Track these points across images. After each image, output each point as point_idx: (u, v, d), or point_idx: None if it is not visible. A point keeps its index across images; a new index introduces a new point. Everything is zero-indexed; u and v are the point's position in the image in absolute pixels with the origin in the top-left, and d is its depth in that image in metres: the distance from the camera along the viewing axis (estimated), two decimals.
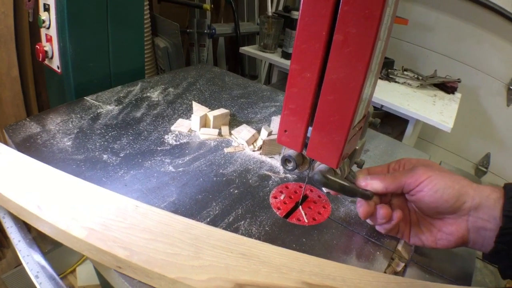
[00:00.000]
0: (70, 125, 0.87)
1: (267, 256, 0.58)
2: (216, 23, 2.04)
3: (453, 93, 1.71)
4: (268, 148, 0.86)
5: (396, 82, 1.73)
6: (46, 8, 1.01)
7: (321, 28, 0.51)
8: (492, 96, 1.83)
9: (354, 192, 0.66)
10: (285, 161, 0.68)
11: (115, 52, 1.13)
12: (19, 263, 1.65)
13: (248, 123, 0.99)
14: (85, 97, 1.00)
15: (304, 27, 0.53)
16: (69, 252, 1.75)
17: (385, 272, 0.65)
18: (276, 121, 0.92)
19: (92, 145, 0.82)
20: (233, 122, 0.99)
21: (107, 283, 1.21)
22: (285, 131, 0.63)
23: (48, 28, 1.03)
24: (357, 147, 0.68)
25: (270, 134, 0.87)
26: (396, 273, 0.65)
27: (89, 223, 0.58)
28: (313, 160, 0.68)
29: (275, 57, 1.79)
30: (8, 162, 0.69)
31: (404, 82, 1.72)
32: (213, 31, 1.96)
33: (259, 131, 0.91)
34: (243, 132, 0.90)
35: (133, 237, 0.56)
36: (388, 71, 1.78)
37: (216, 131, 0.91)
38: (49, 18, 1.01)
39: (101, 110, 0.96)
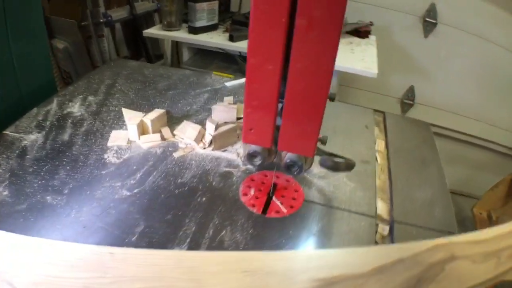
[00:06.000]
0: (0, 170, 0.74)
1: (269, 266, 0.54)
2: (109, 9, 1.87)
3: (367, 37, 1.74)
4: (219, 142, 0.81)
5: None
6: None
7: (280, 14, 0.46)
8: (407, 31, 1.88)
9: (352, 166, 0.66)
10: (251, 157, 0.64)
11: (21, 69, 0.97)
12: None
13: (186, 117, 0.92)
14: (3, 131, 0.85)
15: (260, 16, 0.47)
16: None
17: (375, 240, 0.65)
18: (217, 110, 0.87)
19: (31, 188, 0.70)
20: (171, 120, 0.91)
21: None
22: (251, 129, 0.58)
23: None
24: None
25: (217, 126, 0.81)
26: (384, 237, 0.66)
27: None
28: None
29: (182, 34, 1.67)
30: None
31: None
32: (109, 18, 1.79)
33: (203, 125, 0.85)
34: (188, 131, 0.83)
35: None
36: None
37: (158, 135, 0.83)
38: None
39: (25, 142, 0.82)
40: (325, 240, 0.63)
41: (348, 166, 0.66)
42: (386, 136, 0.94)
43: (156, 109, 0.87)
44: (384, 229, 0.67)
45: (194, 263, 0.54)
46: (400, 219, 0.68)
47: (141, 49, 2.09)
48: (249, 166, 0.78)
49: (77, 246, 0.55)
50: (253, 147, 0.62)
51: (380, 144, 0.91)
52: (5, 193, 0.68)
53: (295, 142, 0.57)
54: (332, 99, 0.70)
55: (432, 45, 1.87)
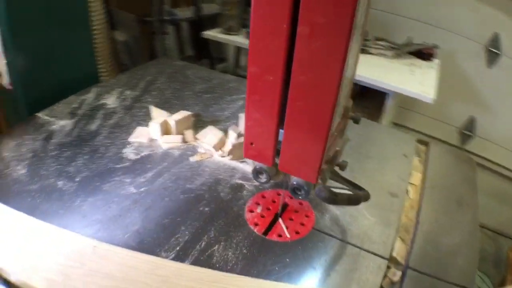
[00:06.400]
0: (24, 149, 0.77)
1: None
2: (176, 7, 1.91)
3: (430, 59, 1.63)
4: (238, 152, 0.77)
5: (370, 53, 1.63)
6: None
7: (281, 19, 0.41)
8: (471, 59, 1.73)
9: (359, 200, 0.59)
10: (257, 173, 0.60)
11: (62, 57, 1.01)
12: None
13: (215, 122, 0.90)
14: (36, 114, 0.89)
15: (259, 20, 0.43)
16: None
17: (381, 285, 0.57)
18: (243, 119, 0.83)
19: (46, 171, 0.72)
20: (198, 123, 0.89)
21: None
22: (252, 144, 0.54)
23: None
24: (337, 149, 0.60)
25: (239, 135, 0.78)
26: (393, 283, 0.59)
27: (47, 273, 0.51)
28: None
29: (240, 39, 1.67)
30: None
31: (379, 53, 1.63)
32: (174, 16, 1.83)
33: (227, 132, 0.82)
34: (209, 136, 0.80)
35: (93, 286, 0.50)
36: None
37: (180, 137, 0.82)
38: None
39: (54, 126, 0.85)
40: (324, 276, 0.57)
41: (352, 200, 0.58)
42: (425, 168, 0.85)
43: (182, 111, 0.85)
44: (395, 274, 0.60)
45: (169, 273, 0.52)
46: (416, 265, 0.60)
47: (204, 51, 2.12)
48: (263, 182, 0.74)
49: (66, 233, 0.57)
50: (260, 163, 0.58)
51: (416, 177, 0.82)
52: (23, 171, 0.71)
53: (297, 164, 0.51)
54: (356, 121, 0.64)
55: (495, 77, 1.72)
